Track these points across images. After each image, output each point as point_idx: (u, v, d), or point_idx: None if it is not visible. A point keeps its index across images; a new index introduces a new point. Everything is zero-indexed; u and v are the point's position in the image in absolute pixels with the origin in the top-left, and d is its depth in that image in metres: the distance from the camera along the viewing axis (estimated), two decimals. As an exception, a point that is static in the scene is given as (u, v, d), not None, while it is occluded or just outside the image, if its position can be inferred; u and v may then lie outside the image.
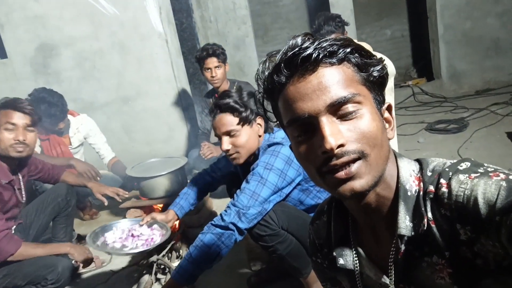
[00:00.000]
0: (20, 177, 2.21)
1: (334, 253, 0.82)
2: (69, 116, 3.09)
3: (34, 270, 1.87)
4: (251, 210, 1.58)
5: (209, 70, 3.01)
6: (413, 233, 0.70)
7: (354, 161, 0.66)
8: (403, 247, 0.71)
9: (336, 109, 0.66)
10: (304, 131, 0.69)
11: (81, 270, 2.42)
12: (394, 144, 2.91)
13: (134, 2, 3.54)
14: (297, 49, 0.67)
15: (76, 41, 3.68)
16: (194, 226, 2.62)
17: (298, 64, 0.67)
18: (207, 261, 1.59)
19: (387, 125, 0.73)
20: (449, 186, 0.67)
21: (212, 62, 2.98)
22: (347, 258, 0.81)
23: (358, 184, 0.66)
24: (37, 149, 3.01)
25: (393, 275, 0.75)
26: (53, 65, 3.73)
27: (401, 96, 4.96)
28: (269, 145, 1.69)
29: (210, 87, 3.33)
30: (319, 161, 0.67)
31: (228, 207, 1.63)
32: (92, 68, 3.73)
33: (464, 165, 0.70)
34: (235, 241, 1.60)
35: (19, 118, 2.00)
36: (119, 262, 2.52)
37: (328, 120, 0.66)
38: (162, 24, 3.62)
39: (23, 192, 2.22)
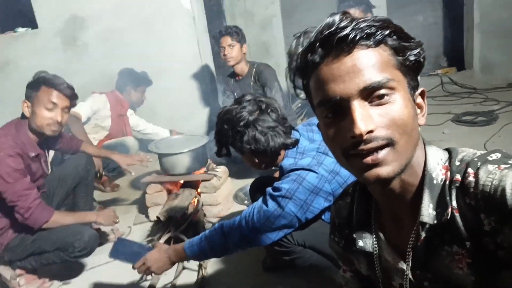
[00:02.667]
0: (46, 150, 2.28)
1: (354, 235, 0.83)
2: None
3: (62, 237, 1.96)
4: (261, 238, 1.52)
5: (223, 48, 3.06)
6: (435, 221, 0.70)
7: (382, 147, 0.65)
8: (423, 234, 0.71)
9: (369, 93, 0.65)
10: (334, 112, 0.68)
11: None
12: (425, 117, 2.85)
13: (163, -23, 3.53)
14: (334, 28, 0.66)
15: (105, 15, 3.71)
16: (212, 204, 2.66)
17: (334, 44, 0.66)
18: (220, 252, 1.62)
19: (418, 110, 0.72)
20: (476, 175, 0.66)
21: (226, 40, 3.07)
22: (367, 241, 0.82)
23: (384, 171, 0.66)
24: (100, 119, 3.33)
25: (410, 261, 0.76)
26: (82, 38, 3.78)
27: (429, 85, 4.82)
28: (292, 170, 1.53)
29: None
30: (346, 144, 0.66)
31: (241, 220, 1.55)
32: (118, 44, 3.76)
33: (495, 156, 0.68)
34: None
35: (60, 99, 2.02)
36: (138, 235, 2.59)
37: (360, 105, 0.65)
38: (190, 1, 3.60)
39: (49, 164, 2.29)
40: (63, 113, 2.06)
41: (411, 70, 0.70)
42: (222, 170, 2.76)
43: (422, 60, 0.71)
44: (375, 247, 0.82)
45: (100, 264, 2.25)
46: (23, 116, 2.07)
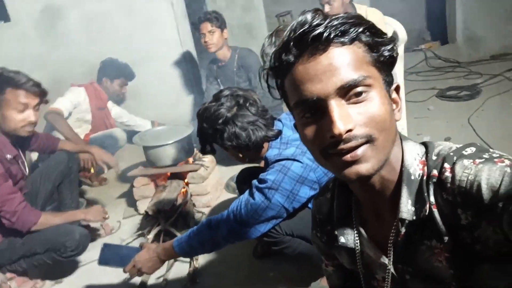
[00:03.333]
0: (21, 151, 2.20)
1: (336, 232, 0.84)
2: None
3: (53, 238, 1.94)
4: (250, 231, 1.52)
5: (203, 35, 3.02)
6: (414, 217, 0.71)
7: (361, 145, 0.65)
8: (403, 230, 0.72)
9: (346, 91, 0.64)
10: (312, 112, 0.67)
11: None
12: (402, 112, 2.87)
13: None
14: (307, 26, 0.64)
15: (84, 1, 3.59)
16: (201, 194, 2.66)
17: (309, 43, 0.64)
18: (209, 247, 1.62)
19: (394, 106, 0.72)
20: (452, 170, 0.66)
21: (206, 27, 3.02)
22: (348, 237, 0.83)
23: (363, 167, 0.66)
24: (81, 113, 3.23)
25: (391, 256, 0.77)
26: (61, 27, 3.67)
27: (413, 61, 4.83)
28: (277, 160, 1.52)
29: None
30: (325, 143, 0.66)
31: (229, 214, 1.54)
32: (99, 30, 3.66)
33: (469, 150, 0.69)
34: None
35: (30, 98, 1.94)
36: (128, 229, 2.59)
37: (338, 104, 0.64)
38: (167, -14, 3.50)
39: (26, 165, 2.22)
40: (35, 111, 1.99)
41: (386, 66, 0.70)
42: (209, 159, 2.74)
43: (395, 55, 0.70)
44: (357, 243, 0.82)
45: (93, 260, 2.24)
46: None
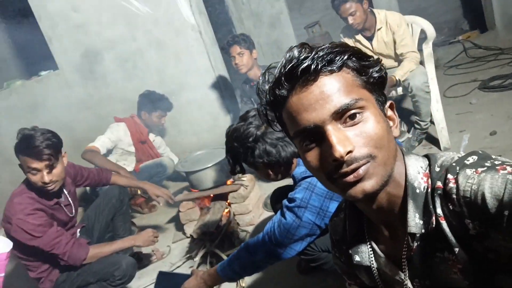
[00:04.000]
0: (66, 193, 2.29)
1: (350, 251, 0.85)
2: None
3: (102, 268, 2.08)
4: (286, 251, 1.52)
5: (233, 58, 3.13)
6: (423, 230, 0.71)
7: (363, 165, 0.66)
8: (415, 244, 0.73)
9: (341, 115, 0.67)
10: (312, 140, 0.70)
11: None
12: (439, 110, 2.77)
13: (165, -2, 3.60)
14: (295, 61, 0.68)
15: (116, 43, 3.83)
16: (243, 213, 2.71)
17: (298, 76, 0.68)
18: (251, 270, 1.64)
19: (391, 123, 0.74)
20: (456, 181, 0.67)
21: (235, 50, 3.10)
22: (363, 255, 0.84)
23: (368, 185, 0.67)
24: (124, 146, 3.40)
25: (407, 271, 0.77)
26: (99, 69, 3.93)
27: (451, 54, 4.64)
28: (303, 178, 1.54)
29: None
30: (329, 168, 0.68)
31: (264, 236, 1.56)
32: (134, 67, 3.88)
33: (471, 159, 0.69)
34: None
35: (38, 164, 1.97)
36: (177, 253, 2.68)
37: (334, 128, 0.67)
38: (194, 16, 3.66)
39: (72, 206, 2.31)
40: (47, 172, 2.00)
41: (377, 86, 0.72)
42: (248, 178, 2.80)
43: (384, 75, 0.73)
44: (372, 261, 0.83)
45: (145, 286, 2.36)
46: None
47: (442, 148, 2.83)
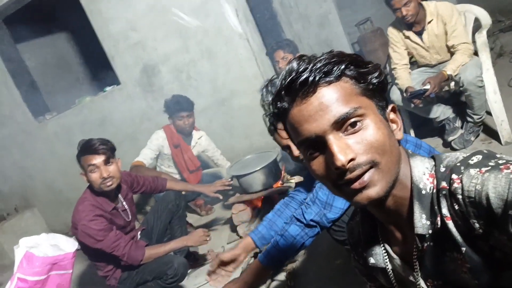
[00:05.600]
0: (122, 200, 2.50)
1: (365, 254, 0.87)
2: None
3: (156, 267, 2.25)
4: (330, 213, 1.54)
5: (277, 62, 3.23)
6: (430, 231, 0.72)
7: (366, 171, 0.68)
8: (425, 244, 0.74)
9: (341, 124, 0.69)
10: (315, 149, 0.72)
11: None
12: (497, 102, 2.61)
13: (213, 9, 3.76)
14: (294, 74, 0.71)
15: (171, 56, 4.07)
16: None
17: (297, 89, 0.71)
18: (293, 249, 1.64)
19: (394, 126, 0.76)
20: (461, 181, 0.67)
21: (279, 54, 3.19)
22: (378, 257, 0.85)
23: (373, 191, 0.69)
24: (167, 151, 3.55)
25: (419, 272, 0.78)
26: (156, 82, 4.20)
27: (515, 40, 4.32)
28: None
29: None
30: (333, 175, 0.70)
31: (307, 204, 1.61)
32: (188, 78, 4.09)
33: (475, 159, 0.69)
34: (317, 233, 1.64)
35: (96, 159, 2.20)
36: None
37: (335, 137, 0.69)
38: (241, 25, 3.78)
39: (128, 212, 2.50)
40: (105, 167, 2.22)
41: (377, 92, 0.74)
42: (296, 179, 2.84)
43: (384, 80, 0.74)
44: (387, 262, 0.84)
45: (201, 284, 2.49)
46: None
47: (503, 142, 2.67)
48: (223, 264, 1.67)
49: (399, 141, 0.75)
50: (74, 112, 4.56)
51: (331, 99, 0.69)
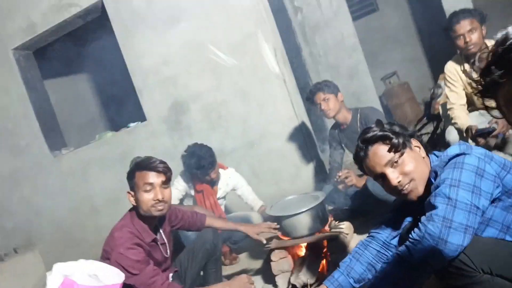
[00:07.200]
0: (162, 232, 2.25)
1: None
2: (220, 170, 3.34)
3: None
4: (448, 242, 1.26)
5: (319, 105, 3.11)
6: None
7: None
8: None
9: None
10: None
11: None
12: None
13: (251, 48, 3.70)
14: None
15: (202, 95, 3.95)
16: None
17: None
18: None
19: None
20: None
21: (319, 97, 3.10)
22: None
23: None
24: (190, 202, 3.25)
25: None
26: (184, 120, 4.04)
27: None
28: (448, 160, 1.41)
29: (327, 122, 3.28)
30: None
31: (411, 242, 1.34)
32: (218, 117, 3.94)
33: None
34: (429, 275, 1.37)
35: (154, 178, 2.02)
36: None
37: None
38: (278, 65, 3.70)
39: (167, 246, 2.26)
40: (162, 189, 2.04)
41: None
42: (346, 225, 2.57)
43: None
44: None
45: None
46: (133, 206, 2.11)
47: None
48: None
49: None
50: (93, 147, 4.36)
51: None
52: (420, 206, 1.46)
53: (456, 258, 1.27)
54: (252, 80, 3.78)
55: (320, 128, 4.83)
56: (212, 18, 3.82)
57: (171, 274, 2.27)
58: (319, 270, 2.38)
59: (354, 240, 2.57)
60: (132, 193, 2.06)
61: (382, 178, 1.50)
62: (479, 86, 0.72)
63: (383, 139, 1.48)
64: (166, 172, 2.07)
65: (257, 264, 3.12)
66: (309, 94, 3.18)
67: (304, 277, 2.22)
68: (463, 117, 2.66)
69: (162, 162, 2.08)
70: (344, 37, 5.00)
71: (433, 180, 1.44)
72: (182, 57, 3.95)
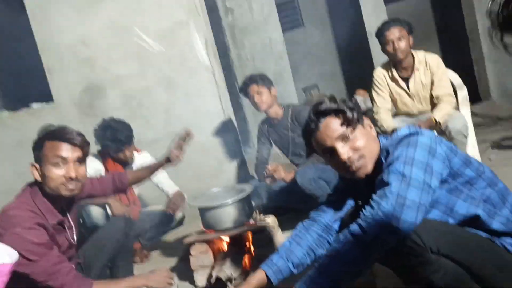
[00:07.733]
0: (69, 216, 1.93)
1: None
2: (134, 152, 3.05)
3: None
4: (401, 220, 1.20)
5: (252, 97, 3.06)
6: None
7: None
8: None
9: None
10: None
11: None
12: (476, 156, 2.69)
13: (181, 37, 3.56)
14: None
15: (123, 80, 3.67)
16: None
17: None
18: (350, 272, 1.29)
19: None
20: None
21: (253, 89, 3.03)
22: None
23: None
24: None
25: None
26: (100, 106, 3.70)
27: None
28: (400, 140, 1.38)
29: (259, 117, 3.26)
30: None
31: (363, 220, 1.26)
32: (139, 106, 3.68)
33: None
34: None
35: (69, 151, 1.69)
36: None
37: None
38: (208, 58, 3.59)
39: (74, 232, 1.94)
40: (76, 166, 1.72)
41: None
42: (271, 219, 2.50)
43: None
44: None
45: None
46: (35, 182, 1.77)
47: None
48: None
49: None
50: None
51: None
52: (364, 188, 1.44)
53: (408, 238, 1.23)
54: (179, 70, 3.61)
55: (243, 129, 4.80)
56: (141, 1, 3.59)
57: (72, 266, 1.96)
58: (243, 265, 2.27)
59: (279, 234, 2.51)
60: (37, 166, 1.72)
61: (330, 153, 1.44)
62: (499, 20, 0.72)
63: (336, 112, 1.42)
64: (84, 147, 1.75)
65: (171, 262, 2.90)
66: (243, 85, 3.11)
67: (228, 270, 2.09)
68: (389, 120, 2.82)
69: (80, 134, 1.76)
70: (272, 43, 5.08)
71: (383, 160, 1.40)
72: (104, 38, 3.64)
